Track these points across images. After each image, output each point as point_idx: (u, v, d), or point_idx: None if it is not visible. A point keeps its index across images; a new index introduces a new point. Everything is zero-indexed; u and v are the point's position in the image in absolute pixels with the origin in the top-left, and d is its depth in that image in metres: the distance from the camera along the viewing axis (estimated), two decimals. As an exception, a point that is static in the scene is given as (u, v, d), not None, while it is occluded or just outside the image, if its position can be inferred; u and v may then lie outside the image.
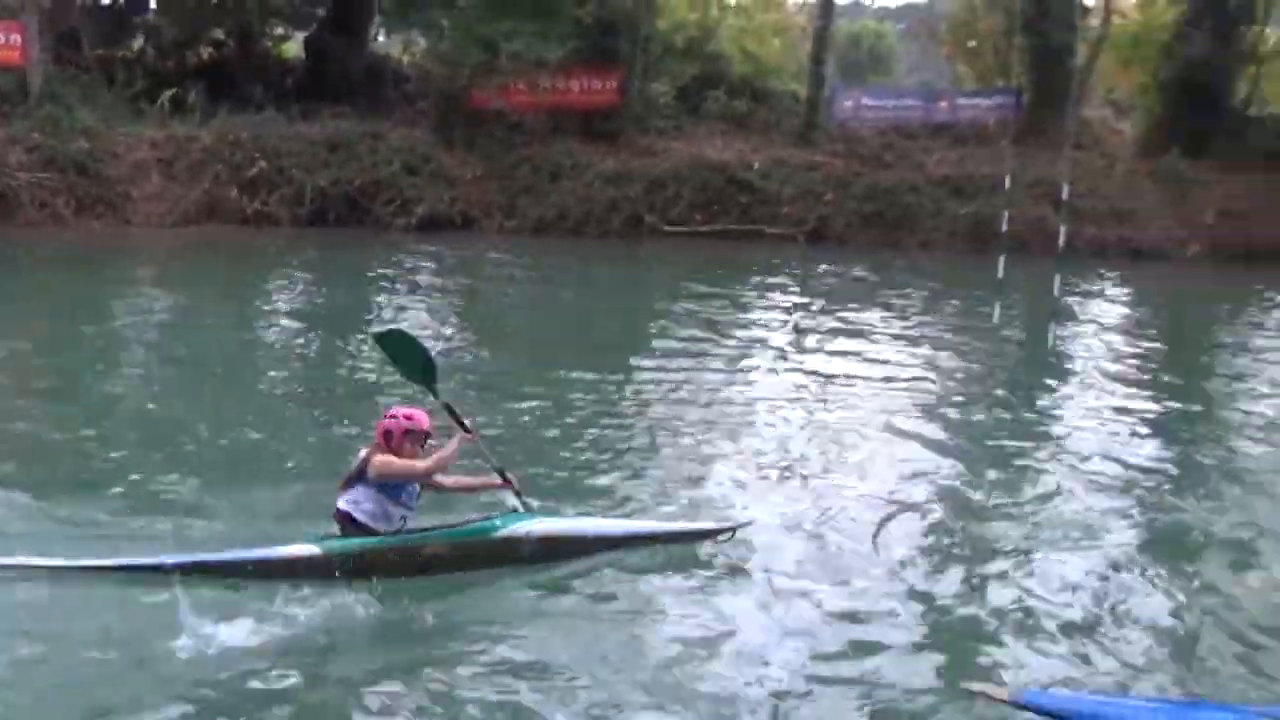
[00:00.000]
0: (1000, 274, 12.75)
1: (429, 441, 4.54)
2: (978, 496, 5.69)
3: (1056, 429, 7.44)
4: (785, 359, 9.56)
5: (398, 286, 12.91)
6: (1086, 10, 21.10)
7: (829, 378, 8.66)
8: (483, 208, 18.26)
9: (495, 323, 11.37)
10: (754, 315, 12.18)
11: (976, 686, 3.45)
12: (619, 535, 4.73)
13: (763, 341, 10.39)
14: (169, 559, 4.25)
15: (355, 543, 4.36)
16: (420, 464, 4.38)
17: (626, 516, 5.18)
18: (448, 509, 4.92)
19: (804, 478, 6.00)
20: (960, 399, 8.26)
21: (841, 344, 10.24)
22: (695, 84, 21.01)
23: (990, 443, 6.87)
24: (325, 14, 20.90)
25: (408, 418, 4.46)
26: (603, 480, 5.75)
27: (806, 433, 6.98)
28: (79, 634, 3.89)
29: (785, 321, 11.63)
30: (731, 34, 25.22)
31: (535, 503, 4.87)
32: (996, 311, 12.10)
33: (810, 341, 10.46)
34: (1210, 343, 12.11)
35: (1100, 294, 15.08)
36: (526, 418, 6.88)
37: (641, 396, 7.83)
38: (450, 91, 18.74)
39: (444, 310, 11.87)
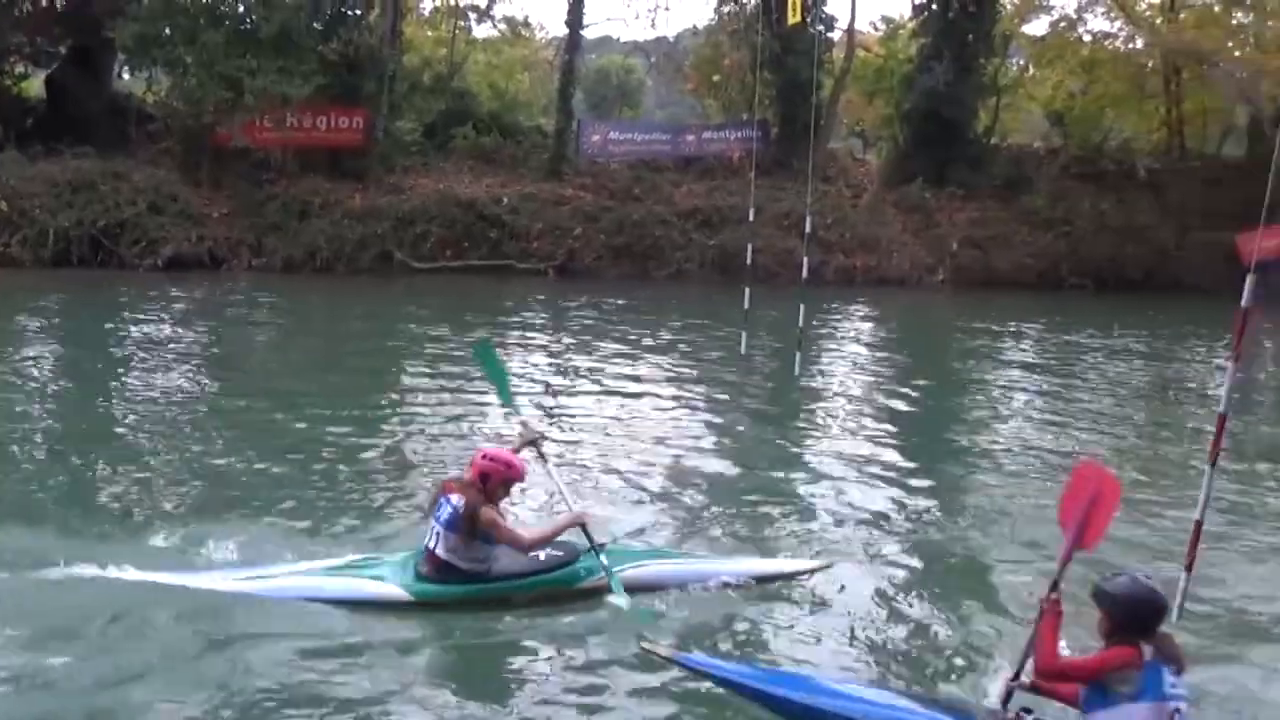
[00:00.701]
0: (746, 305, 15.04)
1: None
2: (724, 528, 7.11)
3: (804, 453, 9.42)
4: (537, 393, 11.44)
5: (141, 329, 14.71)
6: (830, 44, 26.23)
7: (575, 412, 10.61)
8: (231, 246, 20.99)
9: (239, 362, 13.41)
10: (501, 349, 14.52)
11: (646, 644, 4.74)
12: (702, 576, 5.92)
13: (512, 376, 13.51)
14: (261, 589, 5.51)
15: (446, 591, 5.57)
16: (526, 537, 5.62)
17: (707, 555, 6.43)
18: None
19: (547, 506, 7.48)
20: (707, 429, 10.33)
21: (589, 378, 12.46)
22: (443, 120, 25.00)
23: (738, 469, 8.64)
24: (66, 52, 23.52)
25: (508, 465, 5.64)
26: (346, 517, 6.99)
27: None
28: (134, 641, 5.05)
29: (536, 356, 14.00)
30: (479, 70, 30.08)
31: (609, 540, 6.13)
32: (744, 342, 14.77)
33: (558, 376, 12.70)
34: (951, 365, 15.71)
35: (847, 322, 19.23)
36: (274, 459, 8.26)
37: (388, 430, 9.53)
38: (194, 129, 21.64)
39: (187, 350, 13.56)
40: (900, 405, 12.11)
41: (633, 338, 15.93)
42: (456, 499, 5.54)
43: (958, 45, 25.25)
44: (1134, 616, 4.20)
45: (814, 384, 13.35)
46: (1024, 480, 8.83)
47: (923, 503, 7.95)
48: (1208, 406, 12.44)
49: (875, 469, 8.93)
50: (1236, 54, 25.71)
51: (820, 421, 11.24)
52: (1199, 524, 5.61)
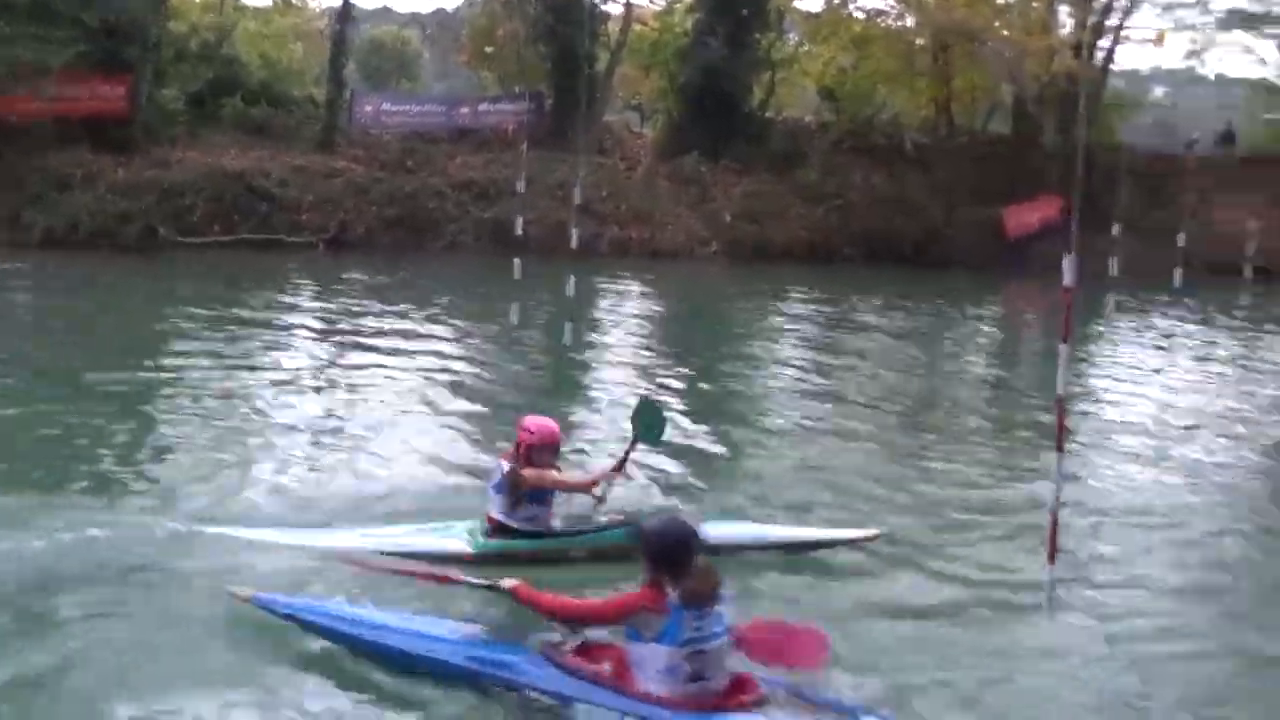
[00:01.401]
0: (517, 276, 19.02)
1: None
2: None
3: (571, 423, 11.59)
4: (304, 367, 14.43)
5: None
6: (606, 17, 32.43)
7: (341, 384, 13.41)
8: (-14, 219, 24.10)
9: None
10: (270, 325, 17.65)
11: (232, 588, 6.50)
12: (759, 542, 8.03)
13: (279, 350, 15.55)
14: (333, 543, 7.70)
15: (504, 546, 7.60)
16: (569, 479, 7.95)
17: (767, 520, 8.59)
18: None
19: (313, 473, 9.85)
20: (477, 399, 13.02)
21: (357, 351, 15.47)
22: (211, 90, 29.70)
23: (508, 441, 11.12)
24: None
25: (535, 431, 7.79)
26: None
27: (326, 434, 11.11)
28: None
29: (303, 330, 17.25)
30: (249, 38, 35.79)
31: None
32: (515, 313, 18.36)
33: (327, 349, 15.71)
34: (724, 335, 20.21)
35: (620, 293, 24.41)
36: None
37: (155, 403, 12.14)
38: (-56, 99, 24.52)
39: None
40: (670, 374, 15.60)
41: (403, 310, 19.69)
42: (504, 464, 7.73)
43: (733, 20, 31.65)
44: (665, 553, 5.58)
45: (585, 354, 16.87)
46: (791, 446, 11.86)
47: (688, 468, 10.47)
48: (972, 375, 17.59)
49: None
50: (1004, 33, 34.20)
51: (589, 391, 14.41)
52: (1055, 516, 7.20)
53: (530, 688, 5.93)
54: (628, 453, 8.40)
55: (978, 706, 6.39)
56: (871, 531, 8.54)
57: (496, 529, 7.83)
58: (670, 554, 5.61)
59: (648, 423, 8.68)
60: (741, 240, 30.52)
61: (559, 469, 8.18)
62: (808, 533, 8.63)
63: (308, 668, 6.43)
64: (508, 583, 6.13)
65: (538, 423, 8.03)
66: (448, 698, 6.15)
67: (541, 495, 7.97)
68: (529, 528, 7.85)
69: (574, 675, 5.87)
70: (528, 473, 7.77)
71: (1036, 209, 31.67)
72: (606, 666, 5.86)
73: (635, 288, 25.77)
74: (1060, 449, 7.46)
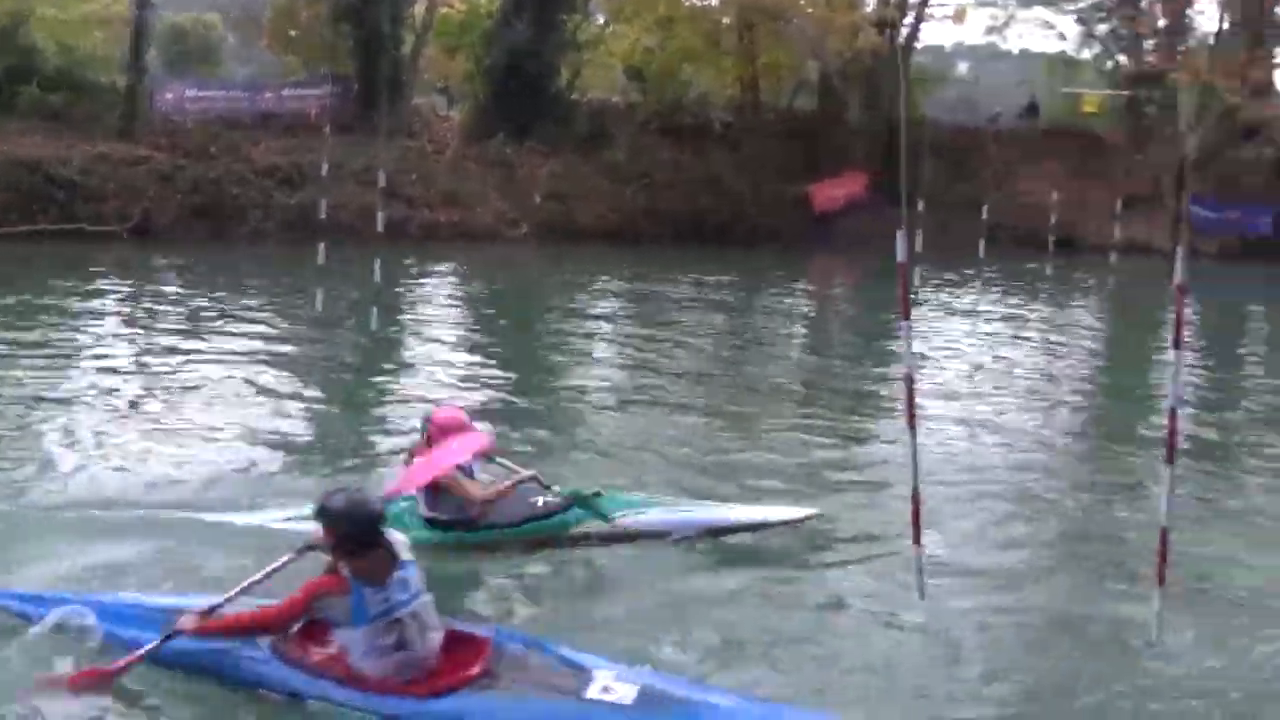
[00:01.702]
0: (321, 261, 21.02)
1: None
2: (299, 481, 9.86)
3: (375, 406, 13.33)
4: (107, 355, 15.15)
5: None
6: None
7: (146, 374, 14.19)
8: None
9: None
10: (73, 314, 18.55)
11: None
12: (692, 525, 8.62)
13: (80, 344, 16.10)
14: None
15: (438, 536, 8.19)
16: (477, 493, 8.27)
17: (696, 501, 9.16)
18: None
19: (120, 460, 10.36)
20: (278, 386, 13.77)
21: (161, 340, 16.26)
22: (6, 77, 31.27)
23: (316, 427, 12.01)
24: None
25: (437, 425, 8.29)
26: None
27: (131, 421, 11.80)
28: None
29: (107, 320, 18.33)
30: (46, 25, 37.98)
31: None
32: (320, 298, 20.15)
33: (131, 337, 16.56)
34: (533, 314, 21.90)
35: (429, 276, 26.58)
36: None
37: None
38: None
39: None
40: (478, 354, 17.06)
41: (207, 298, 20.88)
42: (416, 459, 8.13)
43: (538, 1, 34.32)
44: (354, 529, 5.91)
45: (392, 339, 18.27)
46: (605, 421, 13.04)
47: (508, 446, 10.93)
48: (782, 351, 19.54)
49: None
50: (809, 11, 37.68)
51: (396, 376, 15.43)
52: (917, 495, 7.53)
53: (259, 685, 6.21)
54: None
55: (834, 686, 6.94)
56: (808, 511, 9.05)
57: (427, 521, 8.39)
58: (359, 529, 5.97)
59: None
60: (550, 221, 33.39)
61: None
62: (741, 513, 9.06)
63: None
64: (182, 623, 6.21)
65: (444, 415, 8.52)
66: (182, 694, 6.42)
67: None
68: (458, 517, 8.42)
69: (300, 668, 6.18)
70: (446, 482, 8.37)
71: (842, 185, 35.55)
72: (333, 650, 6.14)
73: (444, 271, 28.11)
74: (911, 427, 7.69)
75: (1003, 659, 7.37)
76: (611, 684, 5.97)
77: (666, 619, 7.54)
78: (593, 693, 5.94)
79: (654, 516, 8.79)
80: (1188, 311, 23.27)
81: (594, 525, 8.64)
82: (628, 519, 8.69)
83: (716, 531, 8.81)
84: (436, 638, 6.16)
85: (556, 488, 8.93)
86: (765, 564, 8.68)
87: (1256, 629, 7.89)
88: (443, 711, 5.93)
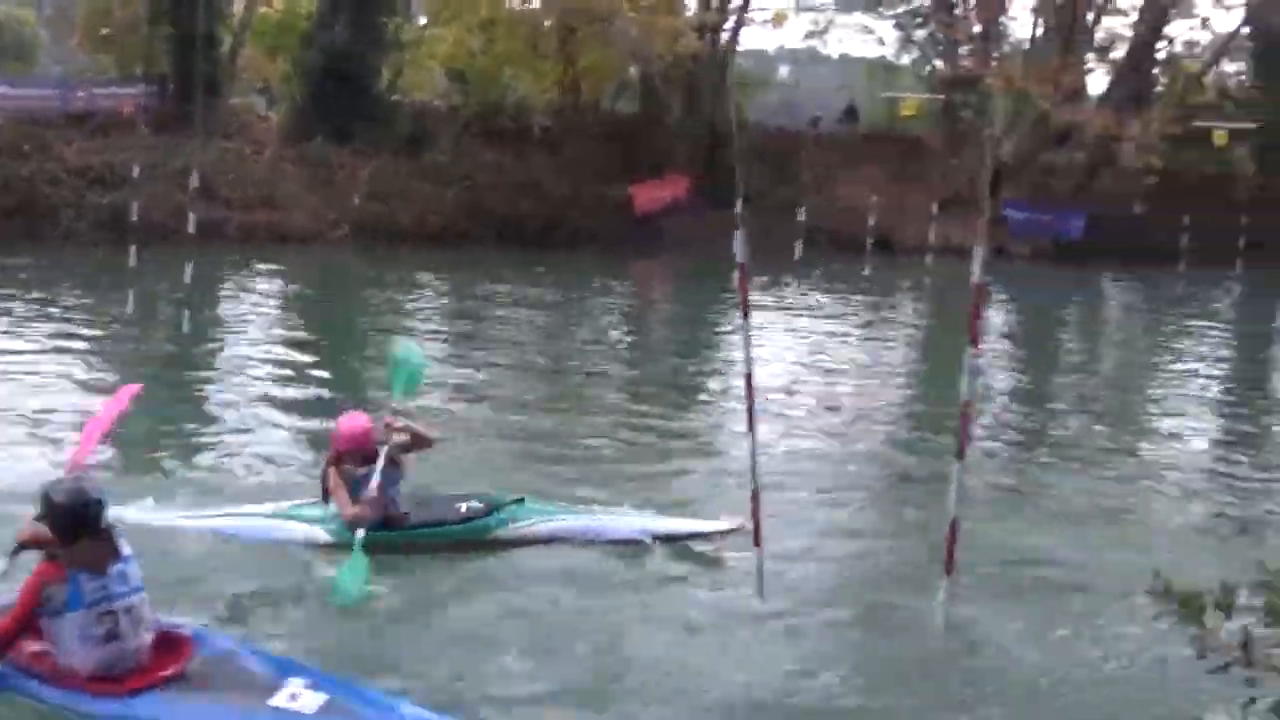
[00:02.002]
0: (133, 263, 23.11)
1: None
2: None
3: (189, 406, 14.47)
4: None
5: None
6: None
7: None
8: None
9: None
10: None
11: None
12: (609, 534, 9.54)
13: None
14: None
15: (361, 536, 8.95)
16: (347, 510, 9.33)
17: (620, 508, 10.08)
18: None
19: None
20: (87, 387, 14.92)
21: None
22: None
23: (124, 428, 11.39)
24: None
25: (340, 432, 9.63)
26: None
27: None
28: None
29: None
30: None
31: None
32: (131, 300, 21.55)
33: None
34: (349, 316, 23.67)
35: (245, 278, 28.28)
36: None
37: None
38: None
39: None
40: (290, 354, 18.48)
41: (17, 299, 21.89)
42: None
43: (357, 3, 36.76)
44: (72, 515, 6.46)
45: (203, 339, 19.59)
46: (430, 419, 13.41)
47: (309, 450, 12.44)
48: (607, 352, 21.39)
49: (273, 413, 14.44)
50: (630, 14, 40.97)
51: (207, 379, 16.62)
52: (757, 497, 8.36)
53: None
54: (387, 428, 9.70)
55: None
56: (731, 524, 9.84)
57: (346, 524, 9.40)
58: (76, 517, 6.52)
59: (408, 371, 10.25)
60: (371, 223, 35.92)
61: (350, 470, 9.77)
62: (662, 524, 10.05)
63: None
64: None
65: (345, 424, 9.71)
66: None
67: (363, 486, 9.50)
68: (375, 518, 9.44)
69: (9, 663, 6.60)
70: (329, 473, 9.66)
71: (664, 187, 38.82)
72: (43, 646, 6.56)
73: (261, 272, 29.89)
74: (751, 429, 8.54)
75: (830, 654, 8.40)
76: (300, 691, 6.43)
77: (485, 633, 8.45)
78: (278, 700, 6.39)
79: (572, 524, 9.90)
80: (1000, 312, 26.85)
81: (512, 530, 9.79)
82: (543, 526, 9.82)
83: (634, 541, 9.76)
84: (148, 636, 6.69)
85: (490, 494, 10.21)
86: (614, 568, 9.67)
87: (1047, 611, 9.32)
88: (135, 713, 6.44)
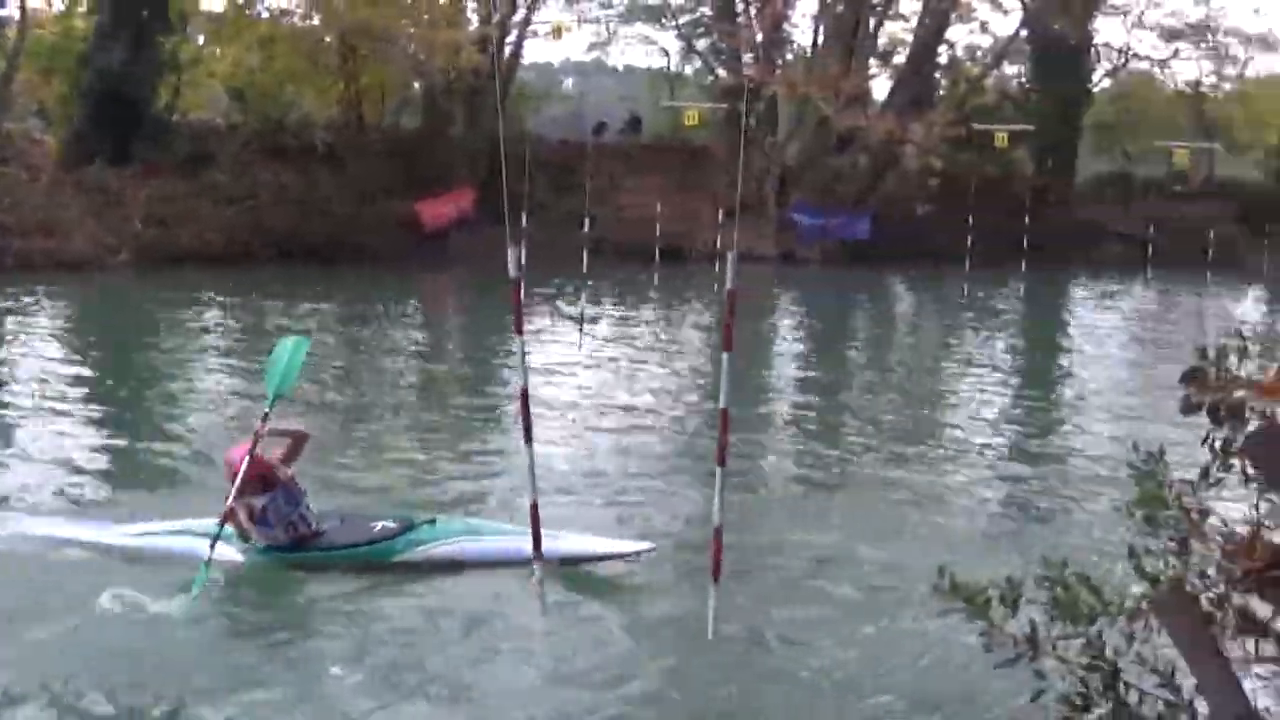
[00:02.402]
0: None
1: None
2: None
3: None
4: None
5: None
6: (3, 21, 40.48)
7: None
8: None
9: None
10: None
11: None
12: (521, 556, 10.17)
13: None
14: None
15: (274, 556, 10.83)
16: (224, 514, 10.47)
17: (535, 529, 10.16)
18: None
19: None
20: None
21: None
22: None
23: None
24: None
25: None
26: None
27: None
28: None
29: None
30: None
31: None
32: None
33: None
34: (138, 340, 25.50)
35: (22, 309, 29.19)
36: None
37: None
38: None
39: None
40: (64, 384, 20.15)
41: None
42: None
43: (134, 22, 39.79)
44: None
45: None
46: (209, 449, 15.18)
47: (92, 477, 14.47)
48: (395, 370, 23.85)
49: (52, 441, 16.08)
50: (411, 30, 45.29)
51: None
52: (535, 509, 9.51)
53: None
54: (258, 436, 10.87)
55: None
56: (644, 545, 11.04)
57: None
58: None
59: (280, 370, 11.26)
60: (153, 246, 39.22)
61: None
62: (575, 544, 10.96)
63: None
64: None
65: (226, 457, 11.19)
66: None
67: (269, 512, 11.00)
68: (285, 538, 11.08)
69: None
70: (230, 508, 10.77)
71: (450, 201, 43.34)
72: None
73: (37, 301, 31.55)
74: (527, 440, 10.12)
75: (609, 665, 9.35)
76: None
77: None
78: None
79: (485, 545, 11.03)
80: (791, 315, 31.69)
81: (420, 552, 10.97)
82: (446, 548, 11.04)
83: (547, 561, 10.36)
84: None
85: (406, 514, 11.69)
86: (400, 582, 11.01)
87: (836, 609, 10.62)
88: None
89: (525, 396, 9.84)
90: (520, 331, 9.95)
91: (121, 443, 16.75)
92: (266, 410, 10.95)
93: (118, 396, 20.18)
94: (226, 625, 10.17)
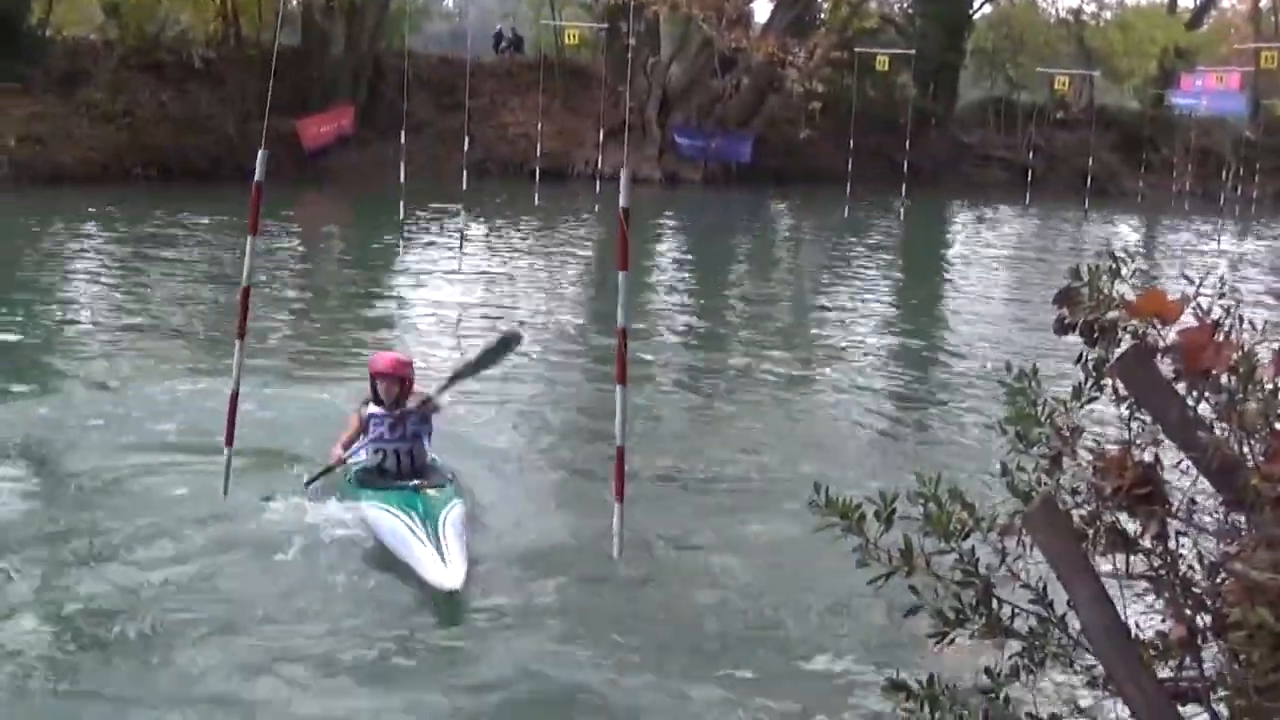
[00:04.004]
0: None
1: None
2: None
3: None
4: None
5: None
6: None
7: None
8: None
9: None
10: None
11: None
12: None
13: None
14: None
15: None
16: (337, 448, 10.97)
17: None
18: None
19: None
20: None
21: None
22: None
23: None
24: None
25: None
26: None
27: None
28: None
29: None
30: None
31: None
32: None
33: None
34: (23, 264, 25.19)
35: None
36: None
37: None
38: None
39: None
40: None
41: None
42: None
43: None
44: None
45: None
46: (91, 367, 16.56)
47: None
48: (278, 291, 23.39)
49: None
50: (289, -57, 46.07)
51: None
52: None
53: None
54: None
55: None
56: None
57: None
58: None
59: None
60: (29, 164, 39.55)
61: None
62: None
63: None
64: None
65: (377, 360, 11.80)
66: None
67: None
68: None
69: None
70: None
71: (330, 119, 44.11)
72: None
73: None
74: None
75: (519, 590, 10.00)
76: None
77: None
78: None
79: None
80: (673, 237, 32.90)
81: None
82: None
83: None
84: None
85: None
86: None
87: (725, 529, 11.21)
88: None
89: (245, 294, 10.42)
90: (254, 231, 10.17)
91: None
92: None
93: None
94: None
